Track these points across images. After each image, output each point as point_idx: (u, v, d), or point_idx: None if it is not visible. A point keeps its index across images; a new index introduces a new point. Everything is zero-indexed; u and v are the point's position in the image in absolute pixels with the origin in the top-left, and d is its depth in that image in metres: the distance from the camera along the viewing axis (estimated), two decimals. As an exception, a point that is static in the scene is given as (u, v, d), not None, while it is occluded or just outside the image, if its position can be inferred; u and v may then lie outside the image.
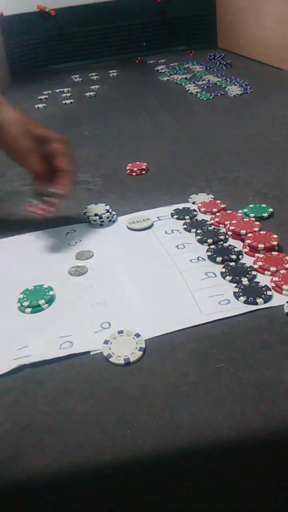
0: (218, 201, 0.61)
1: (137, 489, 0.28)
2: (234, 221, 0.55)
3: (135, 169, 0.76)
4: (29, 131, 0.54)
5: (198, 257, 0.50)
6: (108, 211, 0.61)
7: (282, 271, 0.45)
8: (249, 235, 0.51)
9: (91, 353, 0.39)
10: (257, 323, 0.40)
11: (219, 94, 1.19)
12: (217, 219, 0.57)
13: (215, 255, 0.49)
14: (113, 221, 0.61)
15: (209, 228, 0.55)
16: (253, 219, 0.56)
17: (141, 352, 0.38)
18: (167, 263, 0.50)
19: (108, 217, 0.60)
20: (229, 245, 0.51)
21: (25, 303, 0.45)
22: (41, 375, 0.38)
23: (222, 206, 0.60)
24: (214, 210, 0.59)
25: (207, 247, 0.52)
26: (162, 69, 1.62)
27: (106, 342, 0.40)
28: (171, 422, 0.32)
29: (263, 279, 0.45)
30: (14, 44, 1.81)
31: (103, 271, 0.50)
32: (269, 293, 0.43)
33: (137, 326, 0.41)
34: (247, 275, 0.46)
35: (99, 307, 0.45)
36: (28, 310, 0.45)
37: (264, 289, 0.44)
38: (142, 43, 1.93)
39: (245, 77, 1.32)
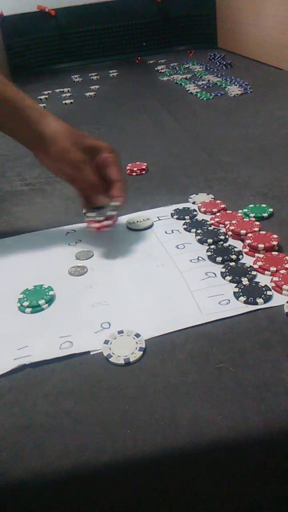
0: (218, 201, 0.61)
1: (137, 489, 0.28)
2: (234, 221, 0.55)
3: (135, 169, 0.76)
4: (78, 142, 0.51)
5: (198, 257, 0.50)
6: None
7: (282, 271, 0.45)
8: (249, 235, 0.51)
9: (91, 353, 0.39)
10: (257, 323, 0.40)
11: (219, 94, 1.19)
12: (217, 219, 0.57)
13: (215, 255, 0.49)
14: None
15: (209, 228, 0.55)
16: (253, 219, 0.56)
17: (141, 352, 0.38)
18: (167, 263, 0.50)
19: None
20: (229, 245, 0.51)
21: (25, 303, 0.45)
22: (41, 375, 0.38)
23: (222, 206, 0.60)
24: (214, 210, 0.59)
25: (207, 247, 0.52)
26: (162, 69, 1.62)
27: (106, 342, 0.40)
28: (171, 422, 0.32)
29: (263, 279, 0.45)
30: (14, 44, 1.81)
31: (103, 271, 0.50)
32: (269, 293, 0.43)
33: (137, 326, 0.41)
34: (247, 275, 0.46)
35: (99, 307, 0.45)
36: (28, 310, 0.45)
37: (264, 289, 0.44)
38: (142, 43, 1.93)
39: (245, 77, 1.32)
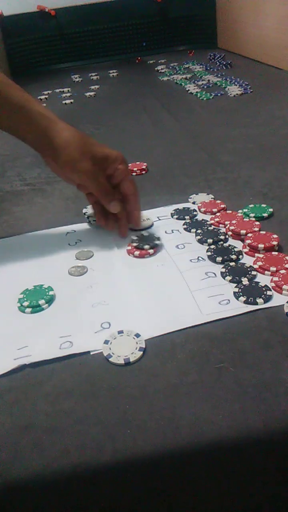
0: (218, 201, 0.61)
1: (137, 489, 0.28)
2: (234, 221, 0.55)
3: (135, 169, 0.76)
4: (88, 151, 0.50)
5: (198, 257, 0.50)
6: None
7: (282, 271, 0.45)
8: (249, 235, 0.51)
9: (91, 353, 0.39)
10: (257, 323, 0.40)
11: (219, 94, 1.19)
12: (217, 219, 0.57)
13: (215, 255, 0.49)
14: (113, 221, 0.61)
15: (209, 228, 0.55)
16: (253, 219, 0.56)
17: (141, 352, 0.38)
18: (167, 263, 0.50)
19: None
20: (229, 245, 0.51)
21: (25, 303, 0.45)
22: (41, 375, 0.38)
23: (222, 206, 0.60)
24: (214, 210, 0.59)
25: (207, 247, 0.52)
26: (162, 69, 1.62)
27: (106, 342, 0.40)
28: (171, 422, 0.32)
29: (263, 279, 0.45)
30: (14, 44, 1.81)
31: (103, 271, 0.50)
32: (269, 293, 0.43)
33: (137, 326, 0.41)
34: (247, 275, 0.46)
35: (99, 307, 0.45)
36: (28, 310, 0.45)
37: (264, 289, 0.44)
38: (142, 43, 1.93)
39: (245, 77, 1.32)
